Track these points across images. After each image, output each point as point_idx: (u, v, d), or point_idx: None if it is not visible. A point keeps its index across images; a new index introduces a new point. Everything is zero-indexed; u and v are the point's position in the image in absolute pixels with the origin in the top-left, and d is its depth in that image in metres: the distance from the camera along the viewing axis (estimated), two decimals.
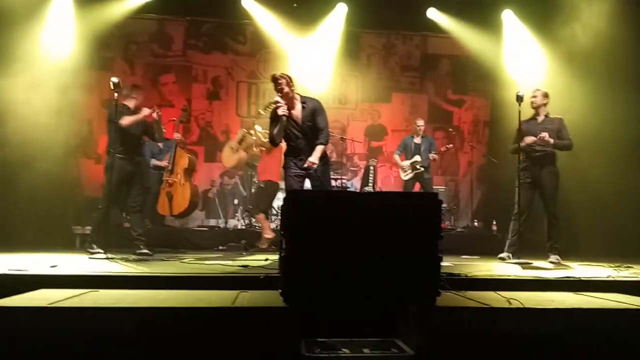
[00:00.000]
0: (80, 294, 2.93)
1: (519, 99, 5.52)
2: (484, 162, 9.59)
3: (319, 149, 4.95)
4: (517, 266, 5.10)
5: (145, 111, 5.68)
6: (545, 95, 5.78)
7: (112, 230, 5.73)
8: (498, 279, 4.03)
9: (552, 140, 5.55)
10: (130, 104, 5.78)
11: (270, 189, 7.03)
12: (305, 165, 4.91)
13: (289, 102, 4.96)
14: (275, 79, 4.94)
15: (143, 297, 2.89)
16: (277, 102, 4.93)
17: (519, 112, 5.56)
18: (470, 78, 10.01)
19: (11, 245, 5.92)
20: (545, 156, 5.63)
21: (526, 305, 2.90)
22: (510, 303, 2.97)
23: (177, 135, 7.42)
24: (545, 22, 8.19)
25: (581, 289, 3.63)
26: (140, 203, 5.81)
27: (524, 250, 5.59)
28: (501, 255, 5.62)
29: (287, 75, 4.98)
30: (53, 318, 2.49)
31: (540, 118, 5.74)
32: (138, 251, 5.53)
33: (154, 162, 7.88)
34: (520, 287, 3.70)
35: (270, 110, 5.09)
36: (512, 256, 5.55)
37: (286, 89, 4.92)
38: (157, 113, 5.85)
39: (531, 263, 5.31)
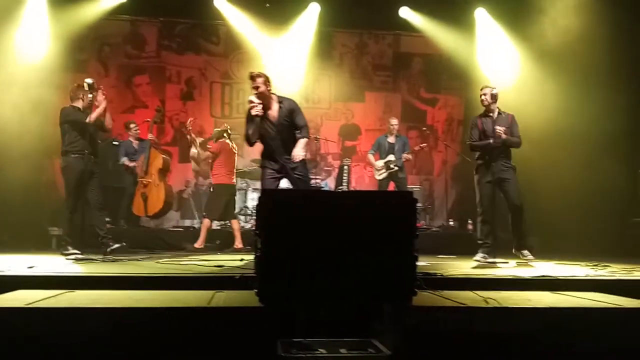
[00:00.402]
0: (57, 295, 2.92)
1: (493, 97, 5.58)
2: (458, 161, 9.66)
3: (302, 142, 4.91)
4: (494, 266, 5.15)
5: (103, 102, 5.67)
6: (492, 92, 5.69)
7: (87, 230, 5.66)
8: (475, 279, 4.07)
9: (505, 136, 5.51)
10: (78, 104, 5.75)
11: (220, 192, 6.93)
12: (292, 157, 4.85)
13: (265, 102, 4.92)
14: (252, 77, 4.90)
15: (119, 298, 2.88)
16: (251, 101, 4.89)
17: (494, 110, 5.61)
18: (443, 77, 10.09)
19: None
20: (502, 152, 5.60)
21: (503, 305, 2.92)
22: (487, 302, 2.99)
23: (150, 136, 7.37)
24: (517, 19, 8.28)
25: (558, 288, 3.65)
26: (101, 201, 5.77)
27: (496, 249, 5.60)
28: (476, 257, 5.58)
29: (265, 75, 4.94)
30: (30, 319, 2.48)
31: (494, 114, 5.68)
32: (109, 249, 5.50)
33: (124, 160, 7.78)
34: (497, 287, 3.71)
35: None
36: (488, 256, 5.52)
37: (262, 88, 4.88)
38: (101, 95, 5.77)
39: (507, 262, 5.36)
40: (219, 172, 6.89)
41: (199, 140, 7.11)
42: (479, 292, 3.32)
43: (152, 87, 9.63)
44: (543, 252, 6.11)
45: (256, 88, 4.88)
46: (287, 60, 9.43)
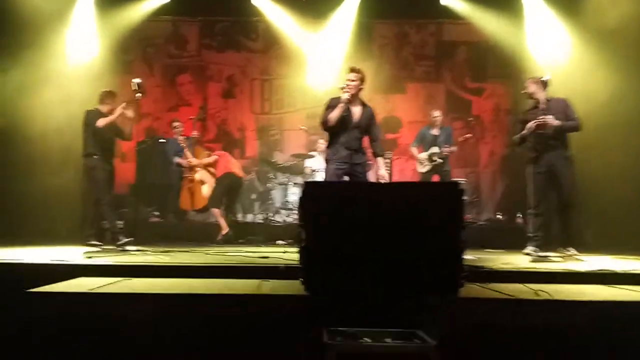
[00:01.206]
0: (116, 282, 3.07)
1: (545, 84, 5.36)
2: (506, 153, 9.40)
3: (382, 162, 5.27)
4: (545, 260, 4.97)
5: (118, 111, 5.90)
6: (537, 81, 5.50)
7: (140, 224, 5.89)
8: (524, 272, 3.93)
9: (556, 123, 5.22)
10: (104, 109, 5.98)
11: (224, 182, 7.19)
12: (378, 179, 5.18)
13: (352, 97, 5.07)
14: (352, 70, 5.11)
15: (173, 285, 3.01)
16: (344, 87, 5.05)
17: (541, 98, 5.39)
18: (489, 65, 9.76)
19: (46, 239, 6.21)
20: (557, 142, 5.33)
21: (555, 298, 2.83)
22: (537, 295, 2.91)
23: (194, 133, 7.54)
24: (567, 1, 7.93)
25: (614, 282, 3.50)
26: (113, 199, 6.07)
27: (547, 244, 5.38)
28: (526, 250, 5.39)
29: (363, 73, 5.15)
30: (93, 303, 2.64)
31: (542, 105, 5.39)
32: (119, 243, 5.68)
33: (176, 159, 7.99)
34: (549, 280, 3.59)
35: None
36: (539, 250, 5.29)
37: (357, 82, 5.07)
38: (129, 110, 6.00)
39: (560, 256, 5.16)
40: (224, 164, 7.36)
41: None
42: (529, 285, 3.23)
43: (195, 85, 9.81)
44: (598, 246, 5.87)
45: (351, 80, 5.05)
46: (326, 53, 9.39)
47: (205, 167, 7.54)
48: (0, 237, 6.07)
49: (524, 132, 5.39)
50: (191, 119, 7.96)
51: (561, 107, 5.35)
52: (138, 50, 9.63)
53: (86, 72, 7.90)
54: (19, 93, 7.02)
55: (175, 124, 8.32)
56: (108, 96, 6.03)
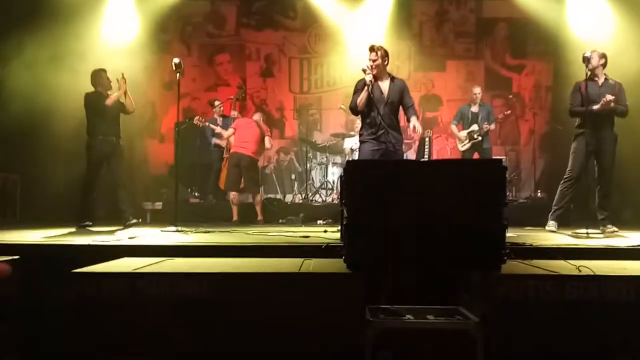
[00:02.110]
0: (159, 262, 3.13)
1: (586, 60, 5.22)
2: (547, 130, 9.24)
3: (414, 118, 5.07)
4: (585, 236, 4.93)
5: (122, 87, 6.04)
6: (603, 56, 5.42)
7: (180, 205, 6.01)
8: (565, 248, 3.89)
9: (613, 104, 5.22)
10: (100, 89, 6.10)
11: (232, 163, 7.16)
12: (413, 129, 5.01)
13: (379, 75, 5.04)
14: (372, 49, 5.06)
15: (217, 264, 3.07)
16: (366, 68, 5.01)
17: (587, 74, 5.25)
18: (530, 41, 9.58)
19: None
20: (605, 121, 5.32)
21: (597, 273, 2.81)
22: (580, 271, 2.89)
23: (234, 113, 7.61)
24: None
25: None
26: (124, 179, 6.14)
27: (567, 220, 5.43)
28: (549, 226, 5.44)
29: (384, 49, 5.08)
30: (137, 282, 2.68)
31: (600, 80, 5.40)
32: (128, 223, 5.86)
33: (214, 140, 8.09)
34: (590, 256, 3.55)
35: None
36: (558, 224, 5.41)
37: (379, 61, 5.01)
38: (121, 80, 6.08)
39: (600, 233, 5.11)
40: (235, 144, 7.21)
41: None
42: (570, 261, 3.21)
43: (233, 65, 9.89)
44: (637, 224, 5.75)
45: (373, 60, 5.01)
46: (364, 31, 9.31)
47: (230, 142, 7.57)
48: (44, 220, 6.25)
49: (596, 107, 5.28)
50: (230, 98, 8.05)
51: (617, 90, 5.35)
52: (176, 29, 9.72)
53: (124, 52, 8.01)
54: (55, 73, 7.09)
55: (215, 103, 8.41)
56: (97, 76, 6.12)
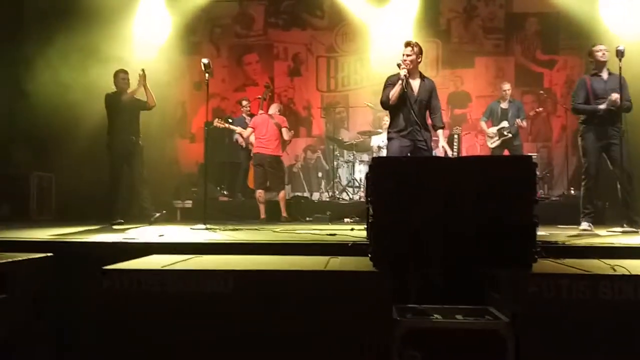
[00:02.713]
0: (187, 259, 3.17)
1: (619, 53, 5.09)
2: (579, 127, 9.02)
3: (443, 138, 5.30)
4: (618, 235, 4.81)
5: (141, 82, 6.11)
6: (607, 51, 5.37)
7: (209, 203, 6.08)
8: (599, 247, 3.81)
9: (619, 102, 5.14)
10: (117, 89, 6.26)
11: (255, 163, 7.26)
12: (440, 152, 5.29)
13: (410, 71, 5.04)
14: (408, 44, 5.06)
15: (244, 261, 3.08)
16: (400, 64, 5.02)
17: (620, 68, 5.15)
18: (561, 36, 9.37)
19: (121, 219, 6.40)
20: (611, 115, 5.21)
21: (633, 273, 2.73)
22: (614, 270, 2.81)
23: (261, 112, 7.66)
24: None
25: None
26: (144, 176, 6.27)
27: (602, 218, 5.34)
28: (583, 226, 5.31)
29: (419, 46, 5.10)
30: (166, 279, 2.71)
31: (605, 75, 5.33)
32: (153, 218, 6.01)
33: (236, 137, 8.12)
34: (625, 255, 3.46)
35: None
36: (593, 226, 5.28)
37: (413, 57, 5.03)
38: (141, 75, 6.16)
39: (633, 231, 4.98)
40: (257, 144, 7.23)
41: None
42: (605, 260, 3.12)
43: (261, 64, 9.97)
44: None
45: (408, 56, 5.02)
46: (392, 29, 9.25)
47: (250, 142, 7.61)
48: (79, 218, 6.40)
49: (602, 106, 5.22)
50: (258, 98, 8.10)
51: (619, 84, 5.23)
52: (205, 31, 9.86)
53: (156, 54, 8.17)
54: (86, 74, 7.25)
55: (244, 102, 8.48)
56: (116, 77, 6.26)
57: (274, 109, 7.58)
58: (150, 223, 5.95)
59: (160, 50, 8.36)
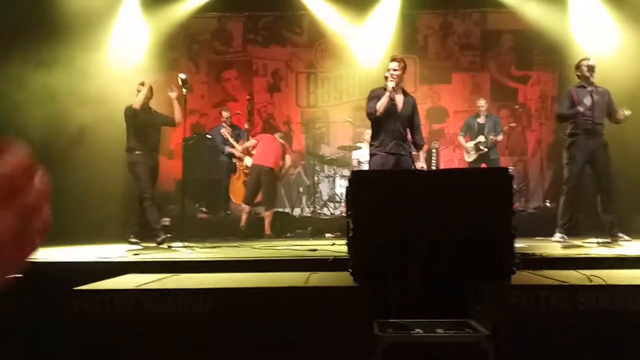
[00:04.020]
0: (163, 278, 3.11)
1: (590, 69, 5.26)
2: (554, 140, 9.18)
3: (422, 154, 5.38)
4: (594, 246, 4.89)
5: (143, 91, 5.82)
6: (592, 65, 5.46)
7: (187, 220, 5.99)
8: (576, 258, 3.88)
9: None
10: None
11: (252, 176, 7.22)
12: (418, 169, 5.21)
13: (396, 86, 5.10)
14: (394, 59, 5.12)
15: (222, 279, 3.05)
16: (387, 76, 5.07)
17: (592, 83, 5.29)
18: (535, 52, 9.59)
19: (95, 238, 6.29)
20: (595, 128, 5.33)
21: (609, 283, 2.77)
22: (591, 280, 2.85)
23: (247, 126, 7.66)
24: None
25: None
26: (155, 196, 5.97)
27: (577, 229, 5.44)
28: (556, 237, 5.41)
29: (405, 62, 5.17)
30: (141, 299, 2.66)
31: (591, 87, 5.42)
32: (159, 239, 5.68)
33: (227, 149, 8.02)
34: (601, 266, 3.52)
35: None
36: (567, 237, 5.38)
37: (400, 72, 5.08)
38: (173, 91, 5.96)
39: (610, 242, 5.07)
40: (256, 155, 7.24)
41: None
42: (581, 271, 3.16)
43: (240, 81, 9.95)
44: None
45: (395, 70, 5.07)
46: (370, 45, 9.36)
47: (249, 153, 7.59)
48: (48, 238, 6.19)
49: (579, 108, 5.34)
50: (238, 113, 8.07)
51: (607, 97, 5.41)
52: (184, 47, 9.81)
53: (131, 71, 8.10)
54: (59, 92, 7.02)
55: (224, 114, 8.37)
56: (141, 87, 5.97)
57: (278, 135, 7.72)
58: (158, 244, 5.64)
59: (138, 67, 8.28)
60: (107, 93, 7.49)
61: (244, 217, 7.07)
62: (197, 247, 5.23)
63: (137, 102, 5.79)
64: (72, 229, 6.54)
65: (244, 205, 7.17)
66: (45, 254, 4.44)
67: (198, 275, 3.25)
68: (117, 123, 7.41)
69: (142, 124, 5.81)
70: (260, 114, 9.89)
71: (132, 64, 8.22)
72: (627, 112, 5.30)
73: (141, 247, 5.45)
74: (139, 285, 2.78)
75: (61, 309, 2.80)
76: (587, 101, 5.31)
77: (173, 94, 5.96)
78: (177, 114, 6.02)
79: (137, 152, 5.76)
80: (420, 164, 5.35)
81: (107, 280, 3.06)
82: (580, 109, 5.31)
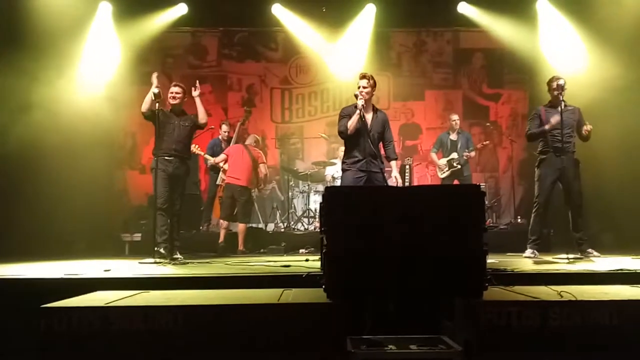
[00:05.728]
0: (133, 295, 3.04)
1: (560, 87, 5.39)
2: (524, 157, 9.37)
3: (395, 168, 5.35)
4: (564, 261, 4.96)
5: (154, 81, 5.59)
6: (561, 84, 5.57)
7: None
8: (546, 274, 3.93)
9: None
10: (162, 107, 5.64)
11: (226, 194, 7.16)
12: (392, 182, 5.26)
13: (366, 103, 5.10)
14: (364, 76, 5.12)
15: (192, 296, 2.98)
16: (357, 94, 5.07)
17: (562, 101, 5.41)
18: (505, 71, 9.83)
19: (66, 253, 6.19)
20: (565, 146, 5.45)
21: (579, 298, 2.80)
22: (561, 296, 2.88)
23: (232, 139, 7.60)
24: (581, 6, 7.90)
25: (636, 282, 3.48)
26: (179, 208, 5.74)
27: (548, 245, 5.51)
28: (526, 254, 5.52)
29: (374, 79, 5.16)
30: (109, 317, 2.60)
31: (560, 106, 5.50)
32: (174, 256, 5.53)
33: (210, 161, 7.78)
34: (571, 281, 3.58)
35: None
36: (538, 253, 5.50)
37: (369, 89, 5.10)
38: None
39: (580, 258, 5.16)
40: (229, 174, 7.14)
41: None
42: (552, 287, 3.20)
43: (215, 95, 9.89)
44: (618, 248, 5.82)
45: (364, 87, 5.08)
46: (345, 62, 9.44)
47: (221, 168, 7.52)
48: (14, 253, 5.92)
49: (545, 127, 5.49)
50: (212, 128, 7.99)
51: (577, 115, 5.56)
52: (157, 61, 9.71)
53: (104, 84, 8.01)
54: (32, 107, 6.86)
55: (223, 127, 8.25)
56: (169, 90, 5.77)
57: (250, 139, 7.54)
58: (172, 260, 5.41)
59: (110, 81, 8.20)
60: (79, 107, 7.40)
61: (222, 233, 6.99)
62: (169, 262, 5.14)
63: (144, 104, 5.59)
64: (41, 244, 6.41)
65: (221, 221, 7.09)
66: (12, 270, 4.33)
67: (170, 292, 3.19)
68: (87, 137, 7.33)
69: (160, 126, 5.51)
70: (234, 128, 9.82)
71: (104, 77, 8.14)
72: (588, 127, 5.42)
73: (164, 261, 5.23)
74: (108, 303, 2.71)
75: (28, 326, 2.72)
76: (555, 120, 5.42)
77: (196, 93, 5.81)
78: (201, 113, 5.80)
79: (154, 158, 5.50)
80: (394, 173, 5.34)
81: (76, 297, 2.98)
82: (547, 127, 5.43)
